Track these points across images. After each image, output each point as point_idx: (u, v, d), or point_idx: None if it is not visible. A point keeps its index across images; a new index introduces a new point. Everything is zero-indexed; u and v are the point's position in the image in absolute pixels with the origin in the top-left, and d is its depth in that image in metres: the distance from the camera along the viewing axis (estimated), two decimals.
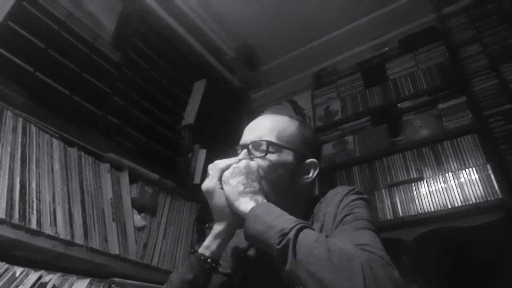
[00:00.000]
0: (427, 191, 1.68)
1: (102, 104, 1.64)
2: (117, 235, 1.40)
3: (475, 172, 1.59)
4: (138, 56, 1.95)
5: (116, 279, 1.32)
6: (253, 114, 2.86)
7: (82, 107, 1.55)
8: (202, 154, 2.11)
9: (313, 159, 0.81)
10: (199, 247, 0.73)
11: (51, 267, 1.14)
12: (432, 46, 2.06)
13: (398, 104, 2.01)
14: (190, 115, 2.16)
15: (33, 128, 1.29)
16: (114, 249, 1.36)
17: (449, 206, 1.59)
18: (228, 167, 0.73)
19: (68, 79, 1.52)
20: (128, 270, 1.42)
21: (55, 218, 1.20)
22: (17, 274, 1.03)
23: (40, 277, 1.07)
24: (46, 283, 1.08)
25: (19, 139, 1.21)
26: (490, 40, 1.84)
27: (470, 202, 1.54)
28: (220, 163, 0.74)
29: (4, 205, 1.06)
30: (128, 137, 1.73)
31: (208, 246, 0.72)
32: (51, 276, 1.11)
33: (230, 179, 0.70)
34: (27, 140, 1.24)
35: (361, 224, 0.64)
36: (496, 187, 1.51)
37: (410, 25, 2.29)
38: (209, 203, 0.73)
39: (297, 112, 2.63)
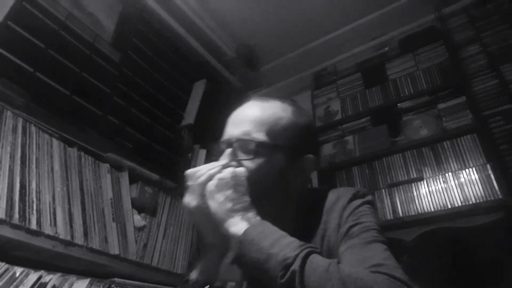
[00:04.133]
0: (427, 191, 1.68)
1: (102, 104, 1.64)
2: (117, 235, 1.40)
3: (475, 172, 1.59)
4: (138, 56, 1.95)
5: (116, 279, 1.32)
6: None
7: (82, 107, 1.55)
8: (202, 154, 2.11)
9: (309, 155, 0.68)
10: (190, 272, 0.66)
11: (51, 267, 1.14)
12: (432, 46, 2.06)
13: (398, 104, 2.01)
14: (190, 115, 2.16)
15: (33, 128, 1.29)
16: (114, 249, 1.36)
17: (449, 206, 1.59)
18: (211, 177, 0.61)
19: (68, 79, 1.51)
20: (128, 270, 1.42)
21: (55, 218, 1.20)
22: (17, 274, 1.03)
23: (40, 277, 1.07)
24: (46, 283, 1.08)
25: (19, 139, 1.21)
26: (490, 40, 1.84)
27: (470, 202, 1.54)
28: (201, 175, 0.61)
29: (4, 205, 1.06)
30: (128, 137, 1.73)
31: (201, 271, 0.65)
32: (51, 276, 1.11)
33: (215, 194, 0.59)
34: (27, 140, 1.24)
35: (370, 236, 0.58)
36: (496, 187, 1.51)
37: (410, 25, 2.29)
38: (194, 223, 0.65)
39: None
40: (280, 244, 0.50)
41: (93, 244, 1.29)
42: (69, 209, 1.27)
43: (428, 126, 1.85)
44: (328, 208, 0.66)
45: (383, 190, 1.82)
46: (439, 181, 1.67)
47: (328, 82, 2.45)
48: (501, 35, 1.82)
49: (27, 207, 1.13)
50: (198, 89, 2.28)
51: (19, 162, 1.17)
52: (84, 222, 1.30)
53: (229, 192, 0.58)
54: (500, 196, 1.48)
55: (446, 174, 1.67)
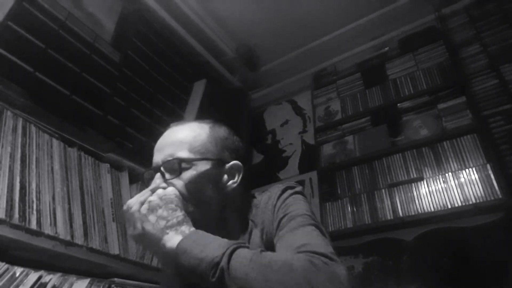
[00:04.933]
0: (427, 191, 1.68)
1: (102, 104, 1.64)
2: (117, 235, 1.40)
3: (475, 172, 1.59)
4: (138, 56, 1.95)
5: (116, 279, 1.32)
6: (253, 114, 2.87)
7: (82, 107, 1.55)
8: None
9: (235, 161, 0.75)
10: None
11: (51, 267, 1.14)
12: (432, 46, 2.06)
13: (398, 104, 2.01)
14: (190, 115, 2.16)
15: (33, 128, 1.29)
16: (114, 249, 1.36)
17: (449, 206, 1.59)
18: (142, 203, 0.64)
19: (68, 79, 1.52)
20: (128, 270, 1.41)
21: (55, 218, 1.20)
22: (17, 274, 1.03)
23: (40, 277, 1.07)
24: (46, 283, 1.08)
25: (19, 139, 1.21)
26: (490, 40, 1.85)
27: (470, 202, 1.54)
28: (134, 204, 0.65)
29: (4, 205, 1.06)
30: (128, 137, 1.73)
31: None
32: (51, 276, 1.11)
33: (148, 216, 0.62)
34: (27, 140, 1.24)
35: (296, 222, 0.62)
36: (496, 187, 1.51)
37: (410, 25, 2.29)
38: (147, 249, 0.69)
39: (297, 112, 2.63)
40: (209, 248, 0.54)
41: (93, 244, 1.28)
42: (69, 209, 1.27)
43: (428, 126, 1.85)
44: (263, 207, 0.71)
45: (383, 190, 1.82)
46: (439, 181, 1.67)
47: (328, 82, 2.45)
48: (501, 35, 1.82)
49: (27, 207, 1.13)
50: (198, 89, 2.28)
51: (19, 162, 1.17)
52: (84, 222, 1.30)
53: (160, 212, 0.62)
54: (500, 196, 1.48)
55: (446, 174, 1.67)
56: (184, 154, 0.70)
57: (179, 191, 0.67)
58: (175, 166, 0.69)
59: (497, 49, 1.80)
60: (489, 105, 1.69)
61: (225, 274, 0.50)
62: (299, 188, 0.73)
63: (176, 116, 2.13)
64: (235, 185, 0.73)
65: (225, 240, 0.56)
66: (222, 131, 0.79)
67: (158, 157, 0.72)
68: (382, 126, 2.02)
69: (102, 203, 1.42)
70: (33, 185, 1.18)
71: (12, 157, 1.16)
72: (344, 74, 2.42)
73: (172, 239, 0.58)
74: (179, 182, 0.68)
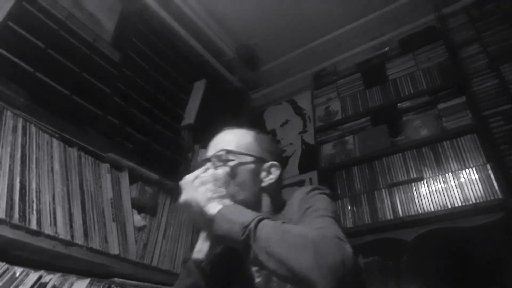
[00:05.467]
0: (427, 191, 1.68)
1: (102, 104, 1.64)
2: (117, 235, 1.40)
3: (475, 172, 1.59)
4: (138, 56, 1.95)
5: (116, 279, 1.32)
6: (253, 114, 2.86)
7: (82, 107, 1.55)
8: (202, 154, 2.11)
9: (273, 162, 0.88)
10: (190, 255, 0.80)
11: (51, 267, 1.14)
12: (432, 46, 2.06)
13: (398, 104, 2.01)
14: (190, 115, 2.16)
15: (33, 128, 1.29)
16: (114, 249, 1.36)
17: (449, 206, 1.59)
18: (196, 177, 0.78)
19: (68, 79, 1.52)
20: (128, 270, 1.41)
21: (55, 218, 1.20)
22: (17, 274, 1.03)
23: (40, 277, 1.07)
24: (46, 283, 1.08)
25: (19, 139, 1.21)
26: (490, 40, 1.85)
27: (470, 202, 1.54)
28: (189, 177, 0.79)
29: (4, 205, 1.06)
30: (128, 137, 1.73)
31: (200, 250, 0.78)
32: (51, 276, 1.11)
33: (199, 188, 0.75)
34: (27, 140, 1.24)
35: (318, 213, 0.70)
36: (496, 187, 1.51)
37: (410, 25, 2.29)
38: (189, 215, 0.79)
39: (297, 112, 2.63)
40: (243, 215, 0.66)
41: (93, 244, 1.28)
42: (69, 209, 1.27)
43: (428, 126, 1.85)
44: (294, 202, 0.80)
45: (383, 190, 1.82)
46: (439, 181, 1.67)
47: (328, 82, 2.45)
48: (501, 35, 1.82)
49: (27, 207, 1.13)
50: (198, 89, 2.28)
51: (19, 162, 1.17)
52: (84, 222, 1.30)
53: (209, 185, 0.75)
54: (500, 196, 1.48)
55: (446, 174, 1.67)
56: (231, 148, 0.85)
57: (226, 174, 0.80)
58: (223, 157, 0.84)
59: (497, 49, 1.80)
60: (489, 105, 1.69)
61: (251, 234, 0.61)
62: (328, 191, 0.81)
63: (176, 116, 2.13)
64: (271, 181, 0.86)
65: (256, 212, 0.67)
66: (265, 137, 0.94)
67: (211, 151, 0.88)
68: (382, 126, 2.02)
69: (102, 203, 1.42)
70: (33, 185, 1.18)
71: (12, 157, 1.16)
72: (344, 74, 2.42)
73: (214, 208, 0.70)
74: (226, 168, 0.82)
